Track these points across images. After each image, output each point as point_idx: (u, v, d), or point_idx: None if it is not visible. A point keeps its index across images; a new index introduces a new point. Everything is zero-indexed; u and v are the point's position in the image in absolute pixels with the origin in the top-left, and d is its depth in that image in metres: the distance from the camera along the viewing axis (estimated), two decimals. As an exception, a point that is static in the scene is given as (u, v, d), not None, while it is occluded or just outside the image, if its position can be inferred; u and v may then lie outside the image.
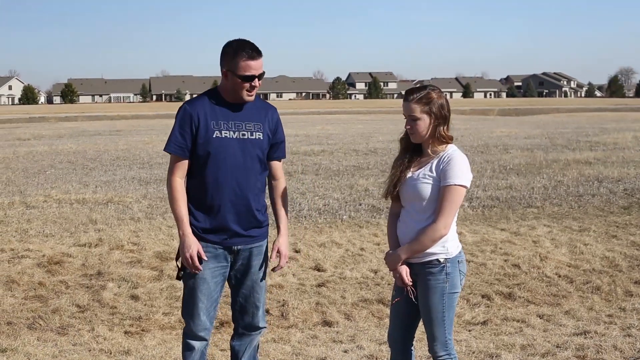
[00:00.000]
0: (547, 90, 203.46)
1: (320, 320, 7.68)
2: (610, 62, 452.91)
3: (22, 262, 9.54)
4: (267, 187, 5.10)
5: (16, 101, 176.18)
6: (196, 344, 4.98)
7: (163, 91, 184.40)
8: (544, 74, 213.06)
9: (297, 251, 10.13)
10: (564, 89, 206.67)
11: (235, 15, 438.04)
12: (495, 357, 6.44)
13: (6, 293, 8.40)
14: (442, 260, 4.56)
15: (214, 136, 4.75)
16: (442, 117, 4.57)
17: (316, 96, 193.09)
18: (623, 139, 29.66)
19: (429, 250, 4.54)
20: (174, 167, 4.84)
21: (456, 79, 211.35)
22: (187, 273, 4.88)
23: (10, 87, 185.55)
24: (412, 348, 4.91)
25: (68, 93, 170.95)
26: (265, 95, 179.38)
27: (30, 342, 6.94)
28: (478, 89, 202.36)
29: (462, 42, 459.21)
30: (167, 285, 8.59)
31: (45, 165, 22.54)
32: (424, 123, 4.53)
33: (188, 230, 4.77)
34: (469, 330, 7.29)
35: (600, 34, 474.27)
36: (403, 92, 4.83)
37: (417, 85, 4.72)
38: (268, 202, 5.12)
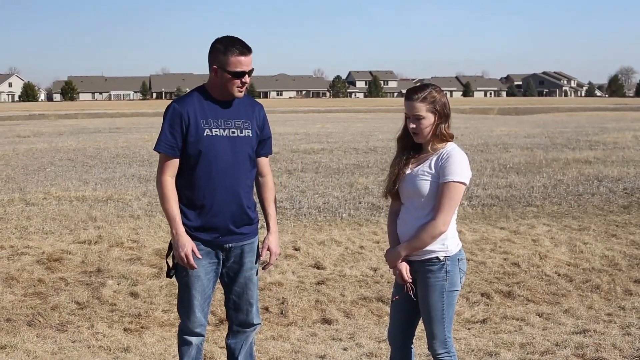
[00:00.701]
0: (547, 90, 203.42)
1: (320, 318, 7.68)
2: (610, 62, 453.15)
3: (22, 259, 9.54)
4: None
5: (16, 98, 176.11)
6: (193, 340, 5.00)
7: (163, 89, 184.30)
8: (544, 73, 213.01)
9: (296, 249, 10.13)
10: (564, 88, 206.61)
11: (235, 13, 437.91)
12: (495, 355, 6.44)
13: (6, 290, 8.40)
14: (441, 258, 4.56)
15: (205, 135, 4.75)
16: (444, 116, 4.59)
17: (316, 94, 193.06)
18: (623, 139, 29.66)
19: (428, 248, 4.54)
20: (164, 166, 4.83)
21: (456, 77, 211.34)
22: (180, 271, 4.89)
23: (10, 85, 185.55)
24: (412, 346, 4.91)
25: (68, 90, 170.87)
26: (266, 94, 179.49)
27: (29, 338, 6.94)
28: (478, 88, 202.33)
29: (463, 41, 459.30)
30: (167, 283, 8.58)
31: (45, 162, 22.54)
32: (429, 122, 4.54)
33: (181, 229, 4.77)
34: (469, 329, 7.29)
35: (600, 33, 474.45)
36: (404, 91, 4.83)
37: (418, 84, 4.71)
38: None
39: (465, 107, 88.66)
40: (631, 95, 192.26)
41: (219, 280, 5.07)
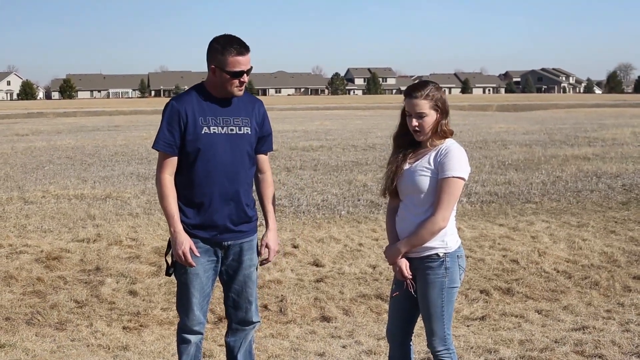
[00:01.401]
0: (545, 86, 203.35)
1: (319, 316, 7.68)
2: (609, 58, 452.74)
3: (21, 258, 9.53)
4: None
5: (14, 96, 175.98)
6: (192, 337, 4.99)
7: (161, 87, 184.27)
8: (542, 69, 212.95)
9: (295, 247, 10.12)
10: (562, 84, 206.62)
11: (233, 10, 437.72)
12: (494, 352, 6.44)
13: (4, 289, 8.39)
14: (441, 254, 4.55)
15: (203, 132, 4.73)
16: (445, 112, 4.59)
17: (315, 92, 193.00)
18: (622, 135, 29.67)
19: (428, 245, 4.53)
20: (162, 164, 4.81)
21: (455, 74, 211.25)
22: (179, 269, 4.89)
23: (8, 83, 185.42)
24: (411, 343, 4.90)
25: (66, 88, 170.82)
26: (264, 91, 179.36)
27: (28, 337, 6.93)
28: (477, 85, 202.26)
29: (461, 38, 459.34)
30: (166, 281, 8.58)
31: (43, 160, 22.53)
32: (432, 119, 4.53)
33: (179, 226, 4.76)
34: (468, 326, 7.28)
35: (599, 29, 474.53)
36: (402, 88, 4.83)
37: (418, 82, 4.69)
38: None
39: (464, 103, 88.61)
40: (630, 91, 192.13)
41: (218, 278, 5.07)
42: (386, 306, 7.47)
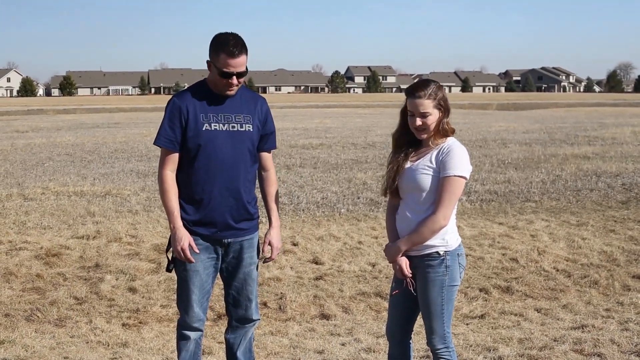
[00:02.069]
0: (545, 85, 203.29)
1: (318, 313, 7.68)
2: (609, 57, 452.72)
3: (20, 254, 9.53)
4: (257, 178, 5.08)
5: (14, 93, 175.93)
6: (191, 334, 4.99)
7: (161, 84, 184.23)
8: (542, 68, 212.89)
9: (295, 244, 10.13)
10: (562, 83, 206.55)
11: (234, 8, 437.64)
12: (493, 350, 6.44)
13: (4, 285, 8.40)
14: (441, 252, 4.55)
15: (204, 129, 4.72)
16: (447, 110, 4.58)
17: (315, 90, 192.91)
18: (621, 134, 29.68)
19: (428, 243, 4.52)
20: (164, 161, 4.82)
21: (455, 73, 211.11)
22: (179, 265, 4.89)
23: (8, 80, 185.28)
24: (410, 341, 4.91)
25: (66, 85, 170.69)
26: (264, 89, 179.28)
27: (27, 334, 6.94)
28: (477, 83, 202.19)
29: (461, 37, 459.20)
30: (165, 278, 8.58)
31: (43, 157, 22.53)
32: (435, 118, 4.52)
33: (179, 223, 4.76)
34: (467, 324, 7.28)
35: (599, 28, 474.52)
36: (403, 87, 4.81)
37: (420, 81, 4.68)
38: (258, 194, 5.10)
39: (464, 102, 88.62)
40: (630, 90, 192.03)
41: (218, 276, 5.07)
42: (385, 304, 7.48)
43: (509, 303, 7.96)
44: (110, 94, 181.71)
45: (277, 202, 5.13)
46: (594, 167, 18.71)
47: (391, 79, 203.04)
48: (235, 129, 4.79)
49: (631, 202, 13.69)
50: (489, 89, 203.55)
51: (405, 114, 4.62)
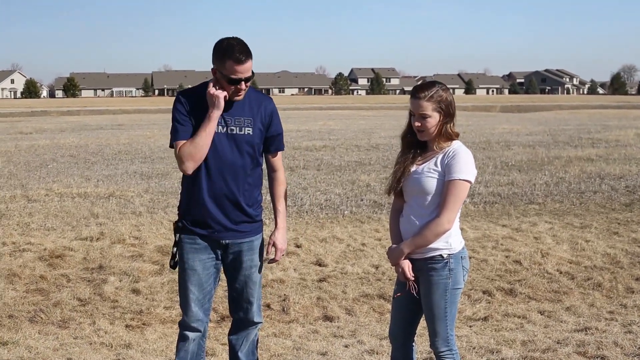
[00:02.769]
0: (549, 87, 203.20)
1: (321, 315, 7.68)
2: (612, 59, 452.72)
3: (24, 256, 9.55)
4: (262, 180, 5.07)
5: (18, 95, 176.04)
6: (190, 334, 4.98)
7: (165, 86, 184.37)
8: (546, 70, 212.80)
9: (298, 246, 10.13)
10: (566, 85, 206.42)
11: (237, 10, 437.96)
12: (496, 352, 6.44)
13: (7, 286, 8.41)
14: (445, 255, 4.54)
15: None
16: (450, 115, 4.56)
17: (318, 91, 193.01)
18: (625, 136, 29.65)
19: (432, 246, 4.52)
20: (183, 149, 4.73)
21: (458, 75, 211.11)
22: (179, 264, 4.90)
23: (12, 81, 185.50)
24: (413, 344, 4.91)
25: (70, 87, 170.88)
26: (268, 91, 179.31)
27: (31, 335, 6.95)
28: (480, 86, 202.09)
29: (465, 39, 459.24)
30: (168, 279, 8.59)
31: (47, 159, 22.56)
32: (434, 120, 4.51)
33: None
34: (470, 326, 7.28)
35: (603, 30, 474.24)
36: (406, 89, 4.82)
37: (425, 82, 4.68)
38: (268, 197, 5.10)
39: (468, 104, 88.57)
40: (633, 93, 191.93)
41: (223, 277, 5.08)
42: (389, 306, 7.48)
43: (512, 305, 7.96)
44: (114, 95, 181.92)
45: (284, 203, 5.10)
46: (597, 169, 18.69)
47: (394, 81, 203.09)
48: (234, 132, 4.77)
49: (635, 205, 13.67)
50: (493, 91, 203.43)
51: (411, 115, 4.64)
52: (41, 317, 7.46)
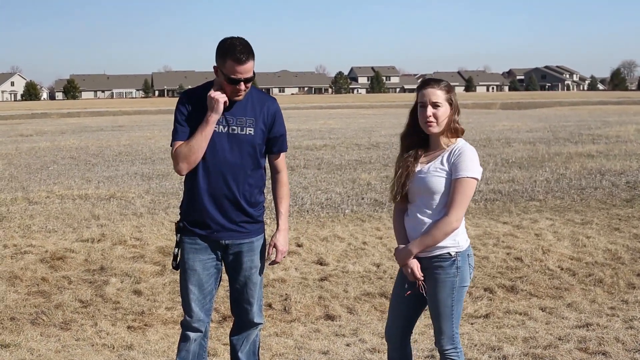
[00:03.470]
0: (549, 84, 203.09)
1: (323, 314, 7.69)
2: (612, 55, 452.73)
3: (25, 258, 9.55)
4: (264, 181, 5.07)
5: (18, 97, 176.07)
6: (191, 334, 4.99)
7: (165, 86, 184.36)
8: (546, 67, 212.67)
9: (299, 245, 10.14)
10: (566, 82, 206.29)
11: (237, 9, 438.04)
12: (498, 349, 6.44)
13: (9, 289, 8.41)
14: (453, 253, 4.53)
15: None
16: (457, 108, 4.57)
17: (318, 91, 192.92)
18: (625, 132, 29.63)
19: (440, 244, 4.50)
20: (180, 149, 4.78)
21: (458, 72, 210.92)
22: (180, 265, 4.90)
23: (12, 84, 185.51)
24: (410, 342, 4.89)
25: (70, 89, 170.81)
26: (268, 90, 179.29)
27: (33, 337, 6.95)
28: (480, 83, 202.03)
29: (464, 36, 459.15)
30: (170, 280, 8.60)
31: (47, 161, 22.56)
32: (446, 111, 4.50)
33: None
34: (472, 324, 7.29)
35: (602, 27, 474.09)
36: (409, 87, 4.82)
37: (432, 77, 4.67)
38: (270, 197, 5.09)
39: (468, 102, 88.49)
40: (633, 88, 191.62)
41: (225, 277, 5.08)
42: (390, 304, 7.48)
43: (513, 302, 7.97)
44: (114, 97, 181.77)
45: (286, 205, 5.09)
46: (598, 165, 18.69)
47: (395, 79, 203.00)
48: (235, 132, 4.77)
49: (635, 200, 13.67)
50: (493, 88, 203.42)
51: (415, 114, 4.59)
52: (43, 319, 7.46)
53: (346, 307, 7.89)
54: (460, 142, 4.57)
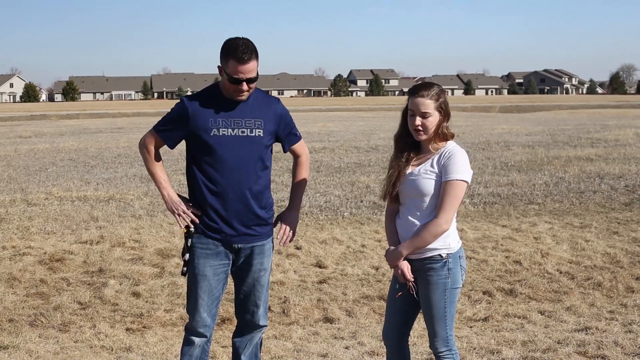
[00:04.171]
0: (548, 87, 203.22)
1: (322, 317, 7.69)
2: (611, 59, 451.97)
3: (24, 260, 9.55)
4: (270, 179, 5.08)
5: (17, 99, 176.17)
6: (196, 339, 4.97)
7: (164, 88, 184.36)
8: (545, 70, 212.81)
9: (298, 248, 10.13)
10: (565, 85, 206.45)
11: (236, 12, 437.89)
12: (497, 353, 6.44)
13: (8, 290, 8.41)
14: (444, 255, 4.54)
15: (212, 134, 4.71)
16: (447, 115, 4.58)
17: (317, 93, 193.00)
18: (624, 136, 29.66)
19: (430, 246, 4.52)
20: (149, 139, 4.96)
21: (457, 75, 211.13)
22: (189, 270, 4.88)
23: (11, 85, 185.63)
24: (409, 344, 4.90)
25: (69, 91, 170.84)
26: (267, 93, 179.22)
27: (31, 339, 6.95)
28: (479, 86, 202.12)
29: (464, 39, 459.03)
30: (169, 282, 8.59)
31: (46, 162, 22.56)
32: (435, 119, 4.52)
33: (170, 191, 4.90)
34: (470, 327, 7.29)
35: (601, 30, 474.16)
36: (405, 90, 4.80)
37: (423, 82, 4.68)
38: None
39: (467, 105, 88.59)
40: (632, 92, 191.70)
41: (230, 281, 5.08)
42: (389, 307, 7.47)
43: (512, 305, 7.96)
44: (113, 98, 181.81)
45: (302, 187, 5.23)
46: (597, 169, 18.70)
47: (394, 82, 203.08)
48: (245, 134, 4.77)
49: (634, 204, 13.68)
50: (492, 91, 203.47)
51: (406, 115, 4.62)
52: (41, 321, 7.46)
53: (345, 310, 7.89)
54: (450, 145, 4.58)
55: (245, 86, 4.68)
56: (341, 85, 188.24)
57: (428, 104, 4.50)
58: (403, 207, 4.66)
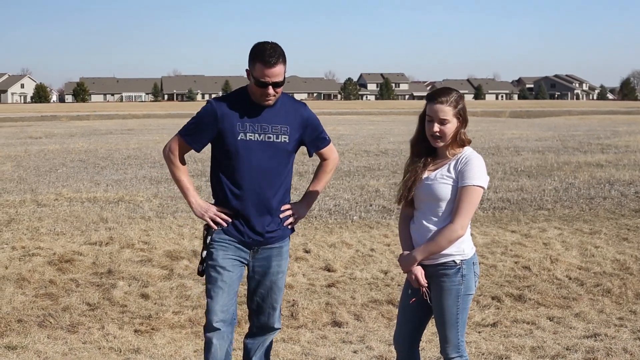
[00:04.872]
0: (558, 93, 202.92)
1: (330, 321, 7.68)
2: (622, 65, 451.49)
3: (33, 260, 9.57)
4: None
5: (28, 99, 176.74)
6: (215, 341, 4.87)
7: (175, 90, 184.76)
8: (555, 76, 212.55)
9: (307, 251, 10.13)
10: (575, 91, 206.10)
11: (246, 15, 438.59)
12: (505, 358, 6.43)
13: (17, 291, 8.43)
14: (458, 261, 4.53)
15: (239, 138, 4.74)
16: (465, 121, 4.57)
17: (327, 97, 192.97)
18: (635, 142, 29.58)
19: (445, 252, 4.50)
20: (173, 145, 4.96)
21: (468, 80, 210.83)
22: (206, 269, 4.89)
23: (22, 86, 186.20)
24: (419, 349, 4.89)
25: (80, 92, 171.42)
26: (293, 97, 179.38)
27: (40, 339, 6.96)
28: (490, 91, 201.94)
29: (474, 44, 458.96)
30: (177, 284, 8.60)
31: (56, 163, 22.62)
32: (453, 126, 4.50)
33: (196, 198, 4.94)
34: (479, 332, 7.27)
35: (612, 36, 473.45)
36: (418, 94, 4.81)
37: (442, 88, 4.66)
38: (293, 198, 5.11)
39: (477, 109, 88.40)
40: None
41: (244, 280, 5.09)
42: (397, 312, 7.46)
43: (521, 311, 7.94)
44: (124, 100, 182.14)
45: (320, 187, 5.29)
46: (607, 175, 18.65)
47: (404, 86, 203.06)
48: (271, 140, 4.80)
49: (644, 211, 13.63)
50: (502, 96, 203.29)
51: (424, 120, 4.60)
52: (50, 322, 7.47)
53: (353, 313, 7.88)
54: (467, 150, 4.57)
55: (271, 90, 4.69)
56: (351, 89, 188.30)
57: (447, 111, 4.49)
58: (418, 212, 4.64)
